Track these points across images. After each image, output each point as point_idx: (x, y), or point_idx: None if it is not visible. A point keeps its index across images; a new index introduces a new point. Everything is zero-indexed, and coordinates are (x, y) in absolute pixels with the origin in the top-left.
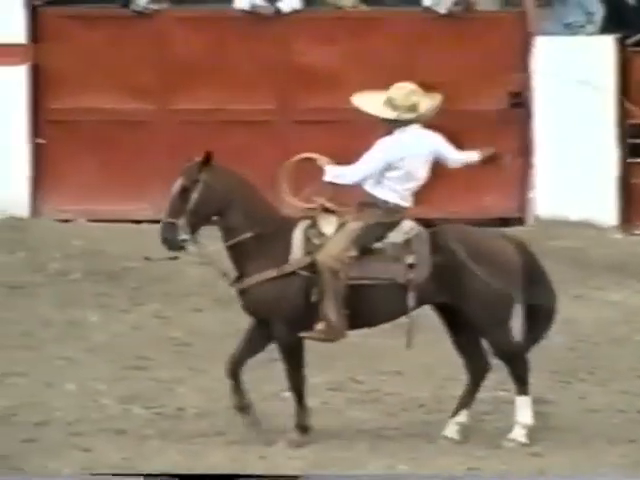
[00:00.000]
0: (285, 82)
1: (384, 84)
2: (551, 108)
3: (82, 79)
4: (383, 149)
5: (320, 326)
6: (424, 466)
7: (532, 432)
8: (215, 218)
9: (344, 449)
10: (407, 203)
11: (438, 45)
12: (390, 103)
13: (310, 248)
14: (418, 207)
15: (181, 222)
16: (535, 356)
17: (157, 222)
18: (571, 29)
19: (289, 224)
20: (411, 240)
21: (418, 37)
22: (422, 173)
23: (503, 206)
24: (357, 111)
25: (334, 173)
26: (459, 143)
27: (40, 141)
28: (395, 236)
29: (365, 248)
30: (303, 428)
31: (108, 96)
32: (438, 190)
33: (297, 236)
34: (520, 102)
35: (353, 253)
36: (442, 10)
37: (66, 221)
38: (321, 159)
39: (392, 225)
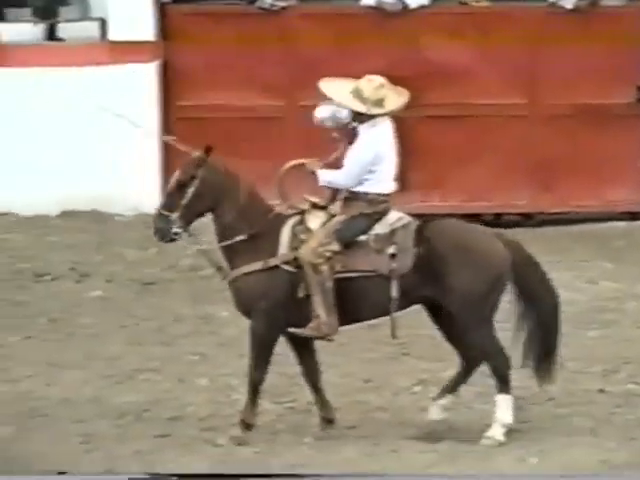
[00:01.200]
0: (412, 78)
1: (512, 78)
2: None
3: (211, 76)
4: (366, 147)
5: (312, 323)
6: (554, 459)
7: None
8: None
9: (474, 443)
10: (388, 189)
11: (564, 40)
12: (358, 94)
13: (296, 244)
14: (545, 200)
15: (174, 216)
16: None
17: None
18: None
19: (280, 221)
20: (396, 231)
21: (544, 32)
22: (394, 157)
23: (631, 200)
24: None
25: (327, 178)
26: (586, 137)
27: (171, 138)
28: (380, 227)
29: (349, 241)
30: (247, 425)
31: (237, 93)
32: (565, 184)
33: (285, 232)
34: None
35: (335, 247)
36: (568, 5)
37: None
38: (312, 164)
39: (378, 216)
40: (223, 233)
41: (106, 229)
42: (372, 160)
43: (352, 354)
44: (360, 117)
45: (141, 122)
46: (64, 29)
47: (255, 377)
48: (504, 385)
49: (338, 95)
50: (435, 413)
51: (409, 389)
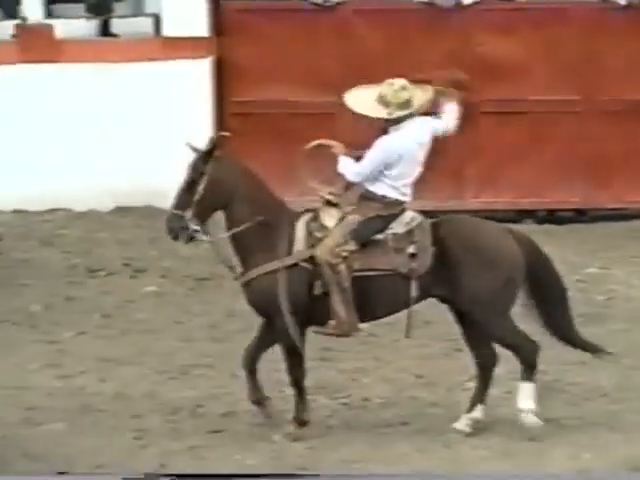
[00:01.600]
0: (467, 73)
1: (566, 74)
2: None
3: (265, 72)
4: (381, 149)
5: (332, 321)
6: (607, 455)
7: None
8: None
9: (528, 439)
10: (407, 197)
11: (618, 35)
12: (382, 100)
13: (312, 241)
14: (599, 196)
15: (188, 214)
16: None
17: None
18: None
19: (292, 217)
20: (413, 230)
21: (598, 27)
22: (419, 164)
23: None
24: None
25: (341, 167)
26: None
27: (224, 134)
28: (397, 227)
29: (366, 241)
30: (301, 422)
31: (291, 88)
32: (619, 180)
33: (299, 229)
34: None
35: (352, 246)
36: (622, 1)
37: None
38: (336, 147)
39: (393, 217)
40: (234, 227)
41: (160, 225)
42: (386, 162)
43: (406, 350)
44: (389, 122)
45: (195, 118)
46: (118, 25)
47: (295, 375)
48: (530, 373)
49: (361, 106)
50: (461, 425)
51: (462, 385)
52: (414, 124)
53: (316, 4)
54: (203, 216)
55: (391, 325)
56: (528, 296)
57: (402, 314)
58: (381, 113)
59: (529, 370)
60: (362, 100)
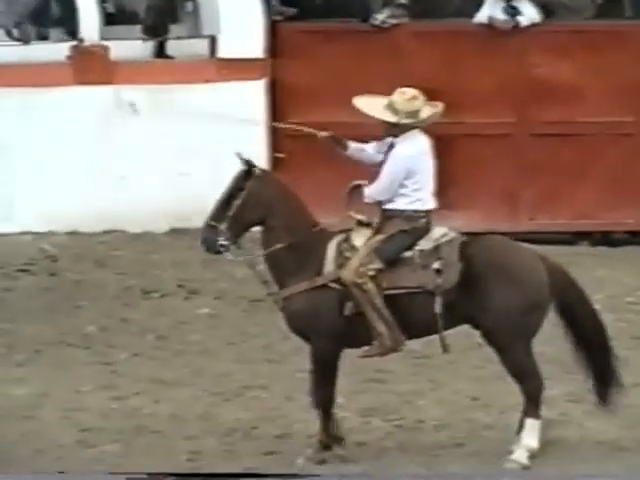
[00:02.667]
0: (522, 95)
1: (620, 95)
2: None
3: (319, 93)
4: (399, 160)
5: (375, 341)
6: None
7: None
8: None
9: (582, 461)
10: (426, 205)
11: None
12: (391, 107)
13: (341, 261)
14: None
15: (222, 227)
16: None
17: None
18: None
19: (326, 237)
20: (440, 246)
21: None
22: (432, 174)
23: None
24: (360, 113)
25: (366, 194)
26: None
27: (279, 155)
28: (425, 243)
29: (392, 259)
30: (324, 445)
31: (345, 110)
32: None
33: (331, 249)
34: None
35: (378, 265)
36: None
37: None
38: (364, 184)
39: (421, 232)
40: (268, 246)
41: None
42: (405, 173)
43: (460, 372)
44: (394, 130)
45: (250, 140)
46: (174, 47)
47: (322, 398)
48: (534, 409)
49: (371, 108)
50: (520, 455)
51: (516, 407)
52: (414, 135)
53: (374, 25)
54: (237, 231)
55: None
56: (565, 331)
57: (457, 334)
58: (390, 117)
59: (533, 405)
60: (372, 104)
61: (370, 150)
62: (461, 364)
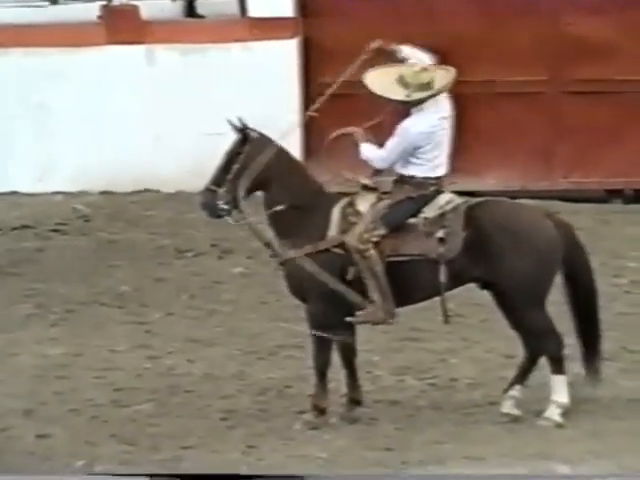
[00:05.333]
0: (556, 53)
1: None
2: None
3: (351, 52)
4: (405, 134)
5: (368, 308)
6: None
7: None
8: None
9: (615, 419)
10: (438, 172)
11: None
12: (402, 81)
13: (345, 226)
14: None
15: (221, 191)
16: None
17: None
18: None
19: (330, 201)
20: (445, 214)
21: None
22: (447, 139)
23: None
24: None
25: (366, 155)
26: None
27: (312, 114)
28: (429, 211)
29: (397, 225)
30: (320, 410)
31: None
32: None
33: (335, 214)
34: None
35: (381, 232)
36: None
37: None
38: (357, 133)
39: (427, 199)
40: (270, 208)
41: (245, 205)
42: (412, 145)
43: (494, 330)
44: (407, 103)
45: (282, 99)
46: (202, 6)
47: (319, 363)
48: (558, 365)
49: (380, 87)
50: (507, 407)
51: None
52: (435, 101)
53: None
54: (236, 195)
55: (479, 306)
56: (564, 289)
57: (485, 296)
58: (399, 95)
59: (556, 363)
60: (381, 80)
61: None
62: (494, 322)
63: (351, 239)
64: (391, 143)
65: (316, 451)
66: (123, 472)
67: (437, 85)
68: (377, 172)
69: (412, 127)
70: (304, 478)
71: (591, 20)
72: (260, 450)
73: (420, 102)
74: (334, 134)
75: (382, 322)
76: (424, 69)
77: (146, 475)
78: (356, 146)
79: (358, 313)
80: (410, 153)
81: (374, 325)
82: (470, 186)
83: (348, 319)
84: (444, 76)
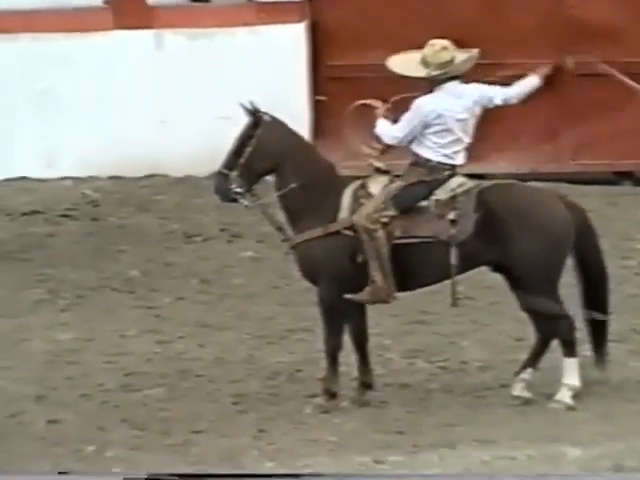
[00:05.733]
0: (561, 35)
1: None
2: None
3: (359, 36)
4: (417, 109)
5: (368, 287)
6: None
7: None
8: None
9: (626, 400)
10: (454, 160)
11: None
12: (424, 61)
13: (357, 208)
14: None
15: (234, 174)
16: None
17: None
18: None
19: (342, 183)
20: (456, 197)
21: None
22: (466, 128)
23: None
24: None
25: (379, 130)
26: None
27: (320, 98)
28: (441, 193)
29: (408, 207)
30: (331, 394)
31: (386, 52)
32: None
33: (346, 196)
34: None
35: (392, 212)
36: None
37: None
38: (379, 107)
39: (439, 182)
40: (281, 189)
41: (257, 189)
42: (422, 121)
43: (504, 313)
44: (429, 84)
45: (290, 82)
46: None
47: (330, 346)
48: (570, 348)
49: (402, 67)
50: (518, 389)
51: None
52: (459, 87)
53: None
54: (249, 179)
55: (489, 288)
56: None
57: (499, 276)
58: (420, 72)
59: (568, 345)
60: (405, 62)
61: None
62: (504, 305)
63: (359, 218)
64: (403, 119)
65: (327, 435)
66: (123, 472)
67: (456, 64)
68: (388, 148)
69: (426, 104)
70: (305, 478)
71: (598, 1)
72: (271, 434)
73: (442, 81)
74: (357, 103)
75: (381, 302)
76: (444, 48)
77: (147, 474)
78: (374, 120)
79: (356, 294)
80: (420, 132)
81: (372, 304)
82: (480, 169)
83: (347, 296)
84: (463, 56)
